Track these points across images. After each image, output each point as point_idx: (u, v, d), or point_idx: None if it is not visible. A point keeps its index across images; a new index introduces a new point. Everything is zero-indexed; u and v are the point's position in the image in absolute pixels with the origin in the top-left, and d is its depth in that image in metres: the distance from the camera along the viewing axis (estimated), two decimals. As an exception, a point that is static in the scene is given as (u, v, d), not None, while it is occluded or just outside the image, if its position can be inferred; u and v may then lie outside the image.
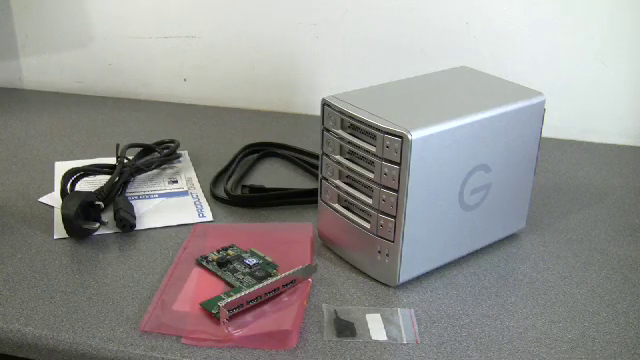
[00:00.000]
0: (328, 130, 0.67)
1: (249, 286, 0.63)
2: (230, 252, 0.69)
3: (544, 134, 0.71)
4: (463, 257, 0.70)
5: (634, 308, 0.64)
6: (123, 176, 0.80)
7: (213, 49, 1.09)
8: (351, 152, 0.66)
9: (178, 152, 0.90)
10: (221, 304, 0.58)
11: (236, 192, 0.82)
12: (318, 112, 0.67)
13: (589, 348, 0.59)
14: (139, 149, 0.88)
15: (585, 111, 1.02)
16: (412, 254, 0.64)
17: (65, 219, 0.70)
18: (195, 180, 0.86)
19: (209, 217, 0.78)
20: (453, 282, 0.67)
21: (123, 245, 0.72)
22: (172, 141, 0.91)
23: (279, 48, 1.06)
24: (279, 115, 1.09)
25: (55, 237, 0.73)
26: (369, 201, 0.64)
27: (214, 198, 0.82)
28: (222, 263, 0.67)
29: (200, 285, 0.65)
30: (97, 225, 0.72)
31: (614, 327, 0.62)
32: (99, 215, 0.74)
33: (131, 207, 0.76)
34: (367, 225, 0.65)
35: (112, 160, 0.83)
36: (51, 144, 0.96)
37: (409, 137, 0.59)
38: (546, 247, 0.74)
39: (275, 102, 1.10)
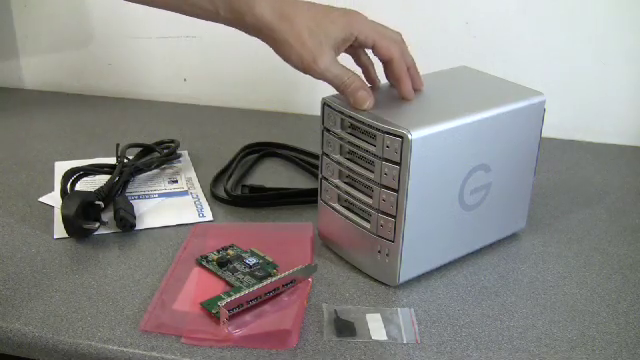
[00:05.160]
0: (328, 130, 0.67)
1: (249, 286, 0.63)
2: (230, 252, 0.69)
3: (544, 134, 0.71)
4: (463, 257, 0.70)
5: (634, 308, 0.64)
6: (123, 176, 0.80)
7: (213, 49, 1.09)
8: (351, 152, 0.66)
9: (178, 152, 0.90)
10: (221, 304, 0.58)
11: (236, 192, 0.82)
12: (318, 112, 0.67)
13: (589, 348, 0.59)
14: (139, 149, 0.88)
15: (585, 111, 1.02)
16: (412, 254, 0.64)
17: (65, 219, 0.70)
18: (195, 180, 0.86)
19: (209, 217, 0.78)
20: (453, 282, 0.67)
21: (123, 245, 0.72)
22: (172, 141, 0.91)
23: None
24: (279, 115, 1.09)
25: (55, 237, 0.73)
26: (369, 201, 0.64)
27: (214, 198, 0.82)
28: (222, 263, 0.67)
29: (200, 285, 0.65)
30: (97, 225, 0.72)
31: (614, 327, 0.62)
32: (99, 215, 0.74)
33: (131, 207, 0.76)
34: (367, 225, 0.65)
35: (112, 160, 0.83)
36: (51, 144, 0.96)
37: (409, 137, 0.59)
38: (546, 247, 0.74)
39: (275, 102, 1.10)
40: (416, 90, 0.67)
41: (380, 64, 0.67)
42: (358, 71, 0.68)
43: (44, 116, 1.06)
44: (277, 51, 0.63)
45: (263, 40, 0.64)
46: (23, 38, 1.15)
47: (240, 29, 0.64)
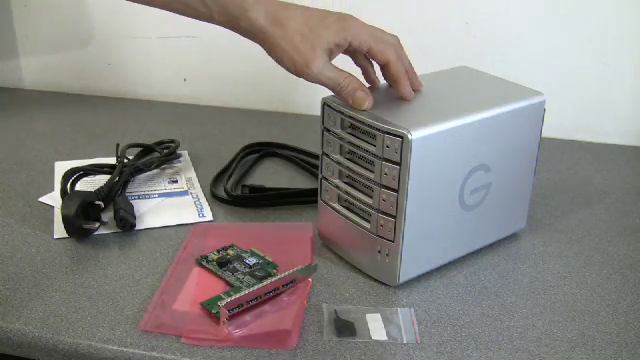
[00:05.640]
0: (328, 130, 0.67)
1: (249, 286, 0.63)
2: (230, 252, 0.69)
3: (544, 134, 0.71)
4: (463, 257, 0.70)
5: (634, 308, 0.64)
6: (123, 176, 0.80)
7: (213, 49, 1.09)
8: (351, 152, 0.66)
9: (178, 152, 0.90)
10: (221, 304, 0.58)
11: (236, 192, 0.82)
12: (318, 112, 0.67)
13: (589, 348, 0.59)
14: (139, 149, 0.88)
15: (585, 111, 1.02)
16: (412, 254, 0.64)
17: (65, 219, 0.70)
18: (195, 180, 0.86)
19: (209, 217, 0.78)
20: (453, 282, 0.67)
21: (123, 245, 0.72)
22: (172, 141, 0.91)
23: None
24: (279, 115, 1.09)
25: (55, 237, 0.73)
26: (369, 201, 0.64)
27: (214, 198, 0.82)
28: (222, 263, 0.67)
29: (200, 285, 0.65)
30: (97, 225, 0.72)
31: (614, 327, 0.62)
32: (99, 215, 0.74)
33: (131, 207, 0.76)
34: (367, 225, 0.65)
35: (112, 160, 0.83)
36: (51, 144, 0.96)
37: (409, 137, 0.59)
38: (546, 247, 0.74)
39: (275, 102, 1.10)
40: (415, 91, 0.67)
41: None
42: (357, 72, 0.68)
43: (44, 116, 1.06)
44: (271, 55, 0.64)
45: (257, 43, 0.64)
46: (23, 38, 1.15)
47: (235, 32, 0.65)
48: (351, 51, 0.66)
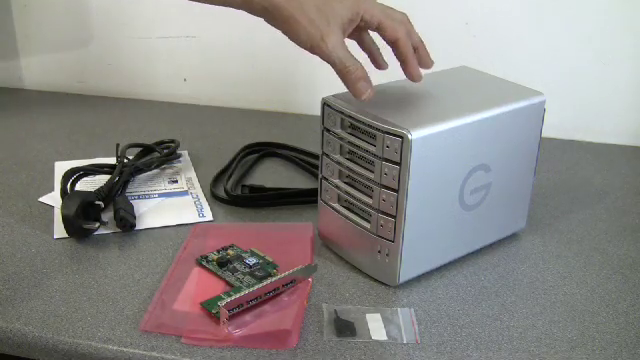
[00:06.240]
0: (328, 130, 0.67)
1: (249, 286, 0.63)
2: (230, 252, 0.69)
3: (544, 134, 0.71)
4: (463, 257, 0.70)
5: (634, 308, 0.64)
6: (123, 176, 0.80)
7: (213, 49, 1.09)
8: (351, 152, 0.66)
9: (178, 152, 0.90)
10: (221, 304, 0.58)
11: (236, 192, 0.82)
12: (318, 112, 0.67)
13: (589, 348, 0.59)
14: (139, 149, 0.88)
15: (585, 111, 1.02)
16: (412, 254, 0.64)
17: (65, 219, 0.70)
18: (195, 180, 0.86)
19: (209, 217, 0.78)
20: (453, 282, 0.67)
21: (123, 245, 0.72)
22: (172, 141, 0.91)
23: (279, 48, 1.06)
24: (279, 115, 1.09)
25: (55, 237, 0.73)
26: (369, 201, 0.64)
27: (214, 198, 0.82)
28: (222, 263, 0.67)
29: (200, 285, 0.65)
30: (97, 225, 0.72)
31: (614, 327, 0.62)
32: (99, 215, 0.74)
33: (131, 207, 0.76)
34: (367, 225, 0.65)
35: (112, 160, 0.83)
36: (51, 144, 0.96)
37: (409, 137, 0.59)
38: (546, 247, 0.74)
39: (275, 102, 1.10)
40: (426, 68, 0.67)
41: (388, 62, 0.66)
42: (364, 61, 0.67)
43: (44, 116, 1.06)
44: (285, 30, 0.62)
45: (270, 20, 0.63)
46: (23, 38, 1.15)
47: (246, 10, 0.63)
48: (360, 29, 0.66)
